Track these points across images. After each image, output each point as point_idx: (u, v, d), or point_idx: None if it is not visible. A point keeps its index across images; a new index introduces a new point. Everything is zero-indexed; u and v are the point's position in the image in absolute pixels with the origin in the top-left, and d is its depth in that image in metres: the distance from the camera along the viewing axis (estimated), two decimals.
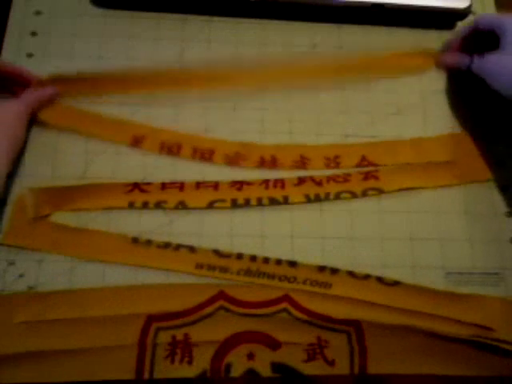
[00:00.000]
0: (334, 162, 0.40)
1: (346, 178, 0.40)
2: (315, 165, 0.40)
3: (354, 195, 0.39)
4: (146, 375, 0.33)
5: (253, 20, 0.45)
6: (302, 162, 0.40)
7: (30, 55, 0.42)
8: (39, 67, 0.41)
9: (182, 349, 0.34)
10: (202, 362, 0.34)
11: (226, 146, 0.40)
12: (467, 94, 0.43)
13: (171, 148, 0.40)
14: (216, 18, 0.45)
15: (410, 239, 0.38)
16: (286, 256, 0.37)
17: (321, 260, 0.37)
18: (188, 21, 0.44)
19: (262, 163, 0.40)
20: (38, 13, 0.43)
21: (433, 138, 0.41)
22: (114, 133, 0.40)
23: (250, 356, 0.34)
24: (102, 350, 0.33)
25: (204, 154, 0.40)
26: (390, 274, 0.37)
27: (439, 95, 0.43)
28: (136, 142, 0.40)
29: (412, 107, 0.43)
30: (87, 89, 0.40)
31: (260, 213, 0.38)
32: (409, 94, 0.43)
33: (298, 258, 0.37)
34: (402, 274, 0.37)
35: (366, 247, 0.38)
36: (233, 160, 0.40)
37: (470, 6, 0.44)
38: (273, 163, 0.40)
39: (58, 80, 0.40)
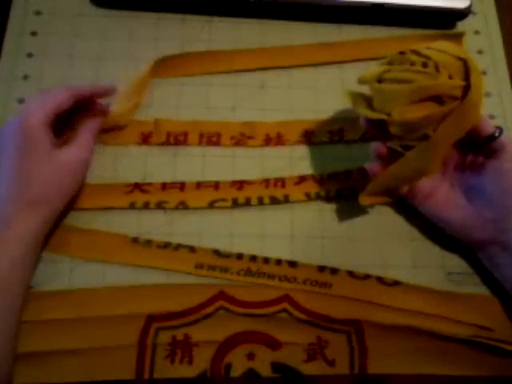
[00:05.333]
0: (337, 134, 0.41)
1: (346, 176, 0.40)
2: (320, 139, 0.41)
3: (354, 193, 0.39)
4: (146, 375, 0.33)
5: (253, 20, 0.45)
6: (307, 137, 0.41)
7: (29, 55, 0.42)
8: (39, 67, 0.41)
9: (182, 349, 0.34)
10: (202, 362, 0.34)
11: (231, 127, 0.41)
12: None
13: (177, 137, 0.40)
14: (216, 18, 0.45)
15: (410, 239, 0.38)
16: (285, 256, 0.37)
17: (321, 260, 0.37)
18: (188, 21, 0.44)
19: (268, 141, 0.40)
20: (38, 13, 0.43)
21: None
22: (120, 134, 0.40)
23: (250, 356, 0.34)
24: (102, 350, 0.33)
25: (211, 138, 0.40)
26: (390, 274, 0.37)
27: None
28: (145, 139, 0.40)
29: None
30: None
31: (260, 213, 0.38)
32: None
33: (298, 258, 0.37)
34: (401, 274, 0.37)
35: (366, 247, 0.38)
36: (240, 141, 0.40)
37: (469, 6, 0.44)
38: (278, 140, 0.40)
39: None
